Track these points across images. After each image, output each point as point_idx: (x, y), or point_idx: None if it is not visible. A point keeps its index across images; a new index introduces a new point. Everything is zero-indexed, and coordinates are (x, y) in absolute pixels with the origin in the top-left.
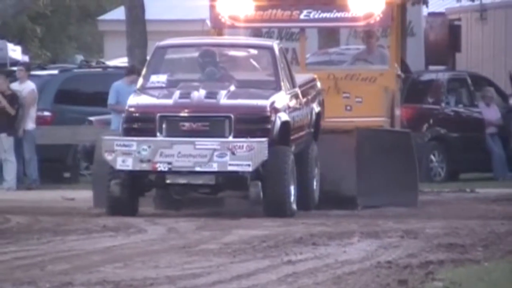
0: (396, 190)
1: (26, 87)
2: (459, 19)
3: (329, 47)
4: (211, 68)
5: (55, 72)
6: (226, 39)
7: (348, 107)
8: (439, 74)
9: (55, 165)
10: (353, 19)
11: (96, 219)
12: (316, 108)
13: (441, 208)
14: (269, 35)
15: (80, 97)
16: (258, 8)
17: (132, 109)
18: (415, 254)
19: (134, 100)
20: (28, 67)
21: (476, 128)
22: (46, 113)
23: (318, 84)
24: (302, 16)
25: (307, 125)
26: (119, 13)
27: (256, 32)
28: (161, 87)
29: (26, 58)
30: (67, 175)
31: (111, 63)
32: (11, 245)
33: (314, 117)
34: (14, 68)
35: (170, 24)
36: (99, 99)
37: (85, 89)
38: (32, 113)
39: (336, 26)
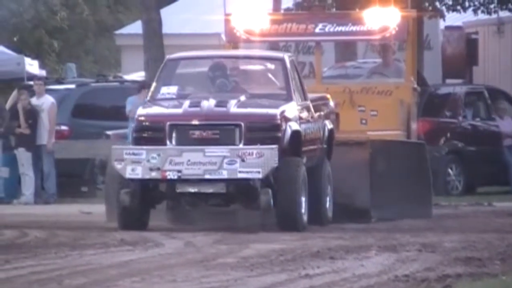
0: (410, 202)
1: (45, 102)
2: (476, 33)
3: (346, 61)
4: (222, 80)
5: (72, 86)
6: (237, 51)
7: (364, 121)
8: (456, 87)
9: (73, 179)
10: (369, 33)
11: (114, 233)
12: (329, 125)
13: (459, 222)
14: (286, 48)
15: (97, 111)
16: (273, 22)
17: (142, 118)
18: (433, 267)
19: (144, 110)
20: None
21: (494, 142)
22: (64, 127)
23: (331, 102)
24: (317, 30)
25: (319, 139)
26: (136, 27)
27: (274, 46)
28: (172, 99)
29: (43, 73)
30: (84, 189)
31: (129, 77)
32: (29, 260)
33: (327, 133)
34: (31, 83)
35: (187, 38)
36: (116, 113)
37: (102, 103)
38: (53, 127)
39: (352, 40)
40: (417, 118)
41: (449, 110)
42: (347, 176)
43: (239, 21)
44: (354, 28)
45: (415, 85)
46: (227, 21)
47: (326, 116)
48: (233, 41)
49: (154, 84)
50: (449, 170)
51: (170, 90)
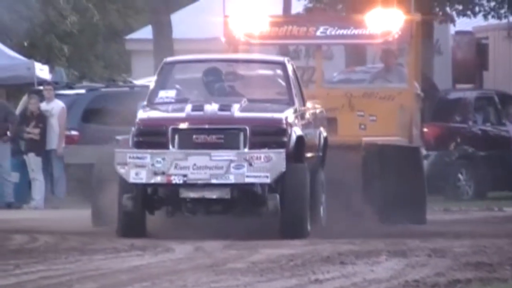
0: (404, 207)
1: (55, 106)
2: (486, 38)
3: (356, 66)
4: (221, 84)
5: (83, 91)
6: (236, 55)
7: (362, 126)
8: (466, 92)
9: (82, 184)
10: (371, 37)
11: (123, 238)
12: (323, 132)
13: (469, 227)
14: (296, 53)
15: (107, 116)
16: (273, 24)
17: (143, 123)
18: (443, 273)
19: (145, 114)
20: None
21: (504, 147)
22: (73, 132)
23: (323, 109)
24: (318, 33)
25: (315, 147)
26: (146, 33)
27: (283, 51)
28: (170, 102)
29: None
30: None
31: (139, 82)
32: (39, 264)
33: (322, 141)
34: (41, 88)
35: (198, 42)
36: (126, 118)
37: (112, 108)
38: (63, 132)
39: (353, 44)
40: (420, 124)
41: (459, 115)
42: (340, 180)
43: (238, 23)
44: (356, 31)
45: (418, 91)
46: (226, 23)
47: (321, 123)
48: (232, 44)
49: (151, 88)
50: (459, 175)
51: (168, 94)
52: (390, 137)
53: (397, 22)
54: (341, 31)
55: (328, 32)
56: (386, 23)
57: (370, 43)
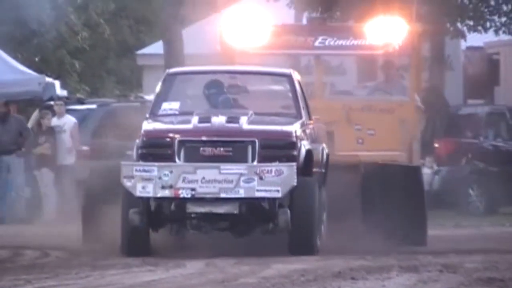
0: (403, 228)
1: (67, 122)
2: (497, 53)
3: (369, 81)
4: (225, 96)
5: (94, 106)
6: (241, 67)
7: (360, 140)
8: (477, 108)
9: None
10: (371, 48)
11: (128, 256)
12: (326, 148)
13: (480, 242)
14: (307, 69)
15: (119, 132)
16: (271, 34)
17: (149, 134)
18: None
19: (150, 125)
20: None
21: None
22: (85, 148)
23: (323, 125)
24: (316, 43)
25: (320, 163)
26: (158, 48)
27: (294, 64)
28: (174, 114)
29: (64, 93)
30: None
31: (150, 97)
32: (50, 280)
33: (325, 157)
34: (52, 103)
35: (209, 57)
36: (137, 133)
37: (123, 123)
38: (76, 147)
39: (353, 55)
40: (421, 137)
41: (470, 130)
42: (339, 199)
43: (235, 32)
44: (355, 42)
45: (419, 103)
46: (222, 33)
47: (322, 139)
48: (228, 53)
49: (154, 100)
50: (471, 191)
51: (172, 106)
52: (389, 152)
53: (398, 32)
54: (340, 42)
55: (326, 43)
56: (386, 33)
57: (370, 54)
